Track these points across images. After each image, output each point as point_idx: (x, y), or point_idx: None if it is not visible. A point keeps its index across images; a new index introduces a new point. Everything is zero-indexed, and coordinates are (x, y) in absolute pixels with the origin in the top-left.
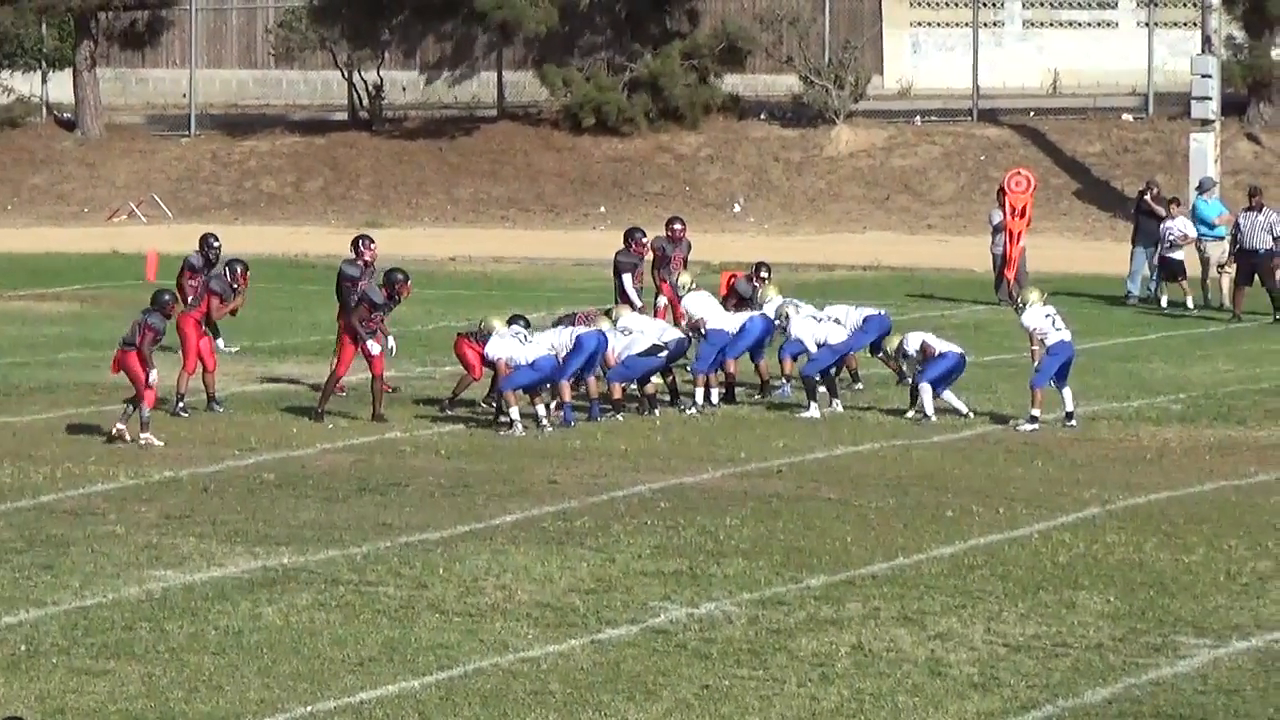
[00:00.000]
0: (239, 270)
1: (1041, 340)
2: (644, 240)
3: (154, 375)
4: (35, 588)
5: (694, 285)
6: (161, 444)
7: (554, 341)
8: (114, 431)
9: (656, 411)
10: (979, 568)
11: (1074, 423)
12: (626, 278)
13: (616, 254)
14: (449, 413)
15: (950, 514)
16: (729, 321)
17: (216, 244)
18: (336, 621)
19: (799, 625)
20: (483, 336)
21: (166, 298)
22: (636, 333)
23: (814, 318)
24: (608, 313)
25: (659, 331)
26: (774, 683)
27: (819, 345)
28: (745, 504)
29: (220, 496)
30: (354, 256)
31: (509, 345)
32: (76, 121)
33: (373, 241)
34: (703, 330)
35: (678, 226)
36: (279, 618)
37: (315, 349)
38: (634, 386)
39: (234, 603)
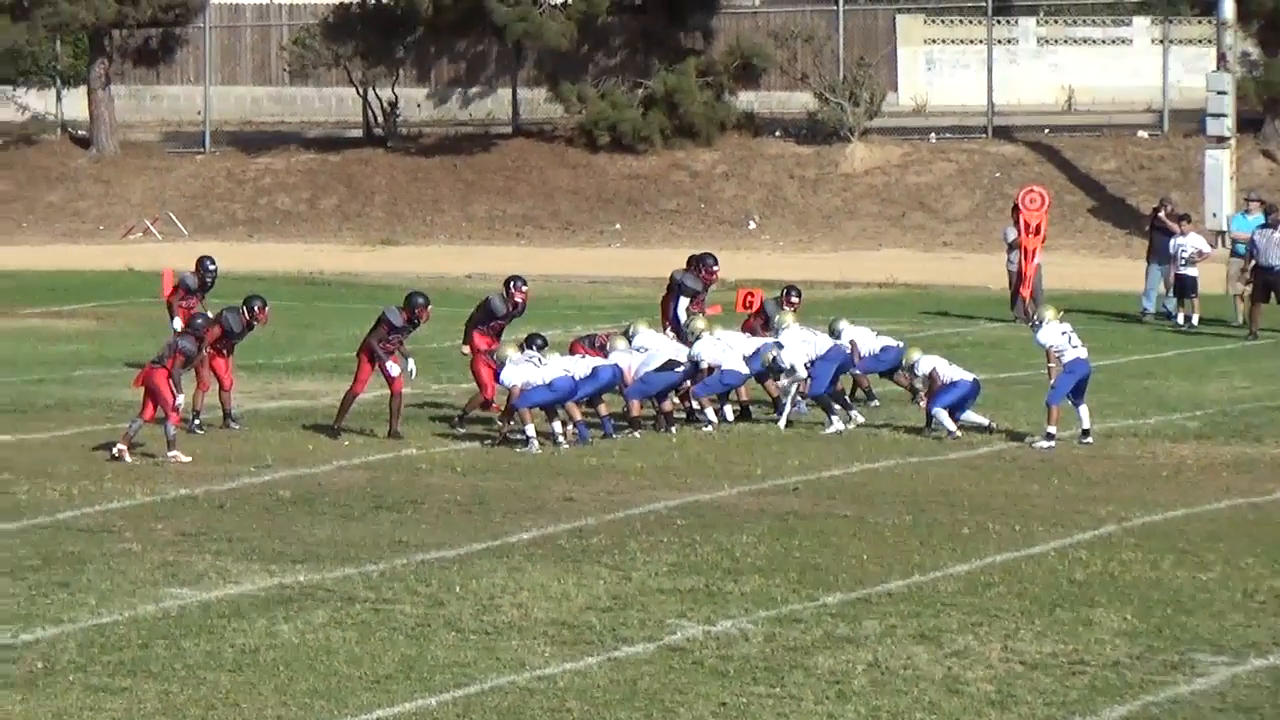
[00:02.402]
0: (257, 307)
1: (1058, 357)
2: (715, 269)
3: (181, 399)
4: (52, 605)
5: (705, 329)
6: (189, 460)
7: (569, 366)
8: (115, 452)
9: (674, 429)
10: (996, 585)
11: (1090, 440)
12: (684, 301)
13: (681, 276)
14: (460, 430)
15: (967, 531)
16: (739, 361)
17: (213, 267)
18: (353, 639)
19: (816, 643)
20: (498, 364)
21: (200, 322)
22: (653, 351)
23: (803, 340)
24: (625, 331)
25: (675, 350)
26: (791, 700)
27: (811, 364)
28: (762, 521)
29: (236, 514)
30: (504, 294)
31: (523, 371)
32: (91, 139)
33: (525, 284)
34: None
35: (716, 269)
36: (295, 635)
37: (330, 366)
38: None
39: (250, 620)
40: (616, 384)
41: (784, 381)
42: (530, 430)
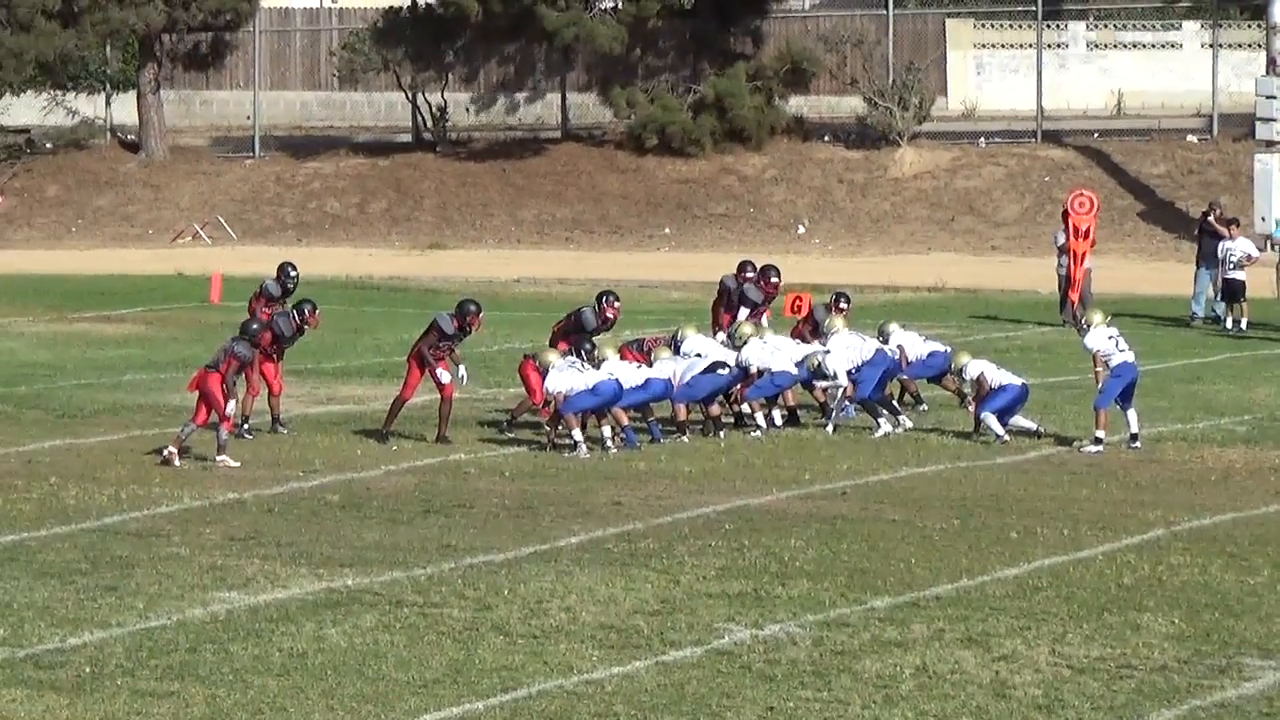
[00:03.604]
0: (308, 310)
1: (1105, 361)
2: (776, 282)
3: (232, 405)
4: (100, 609)
5: (753, 334)
6: (238, 465)
7: (617, 370)
8: (165, 454)
9: (721, 433)
10: (1044, 589)
11: (1138, 444)
12: (744, 313)
13: (743, 286)
14: (509, 434)
15: (1014, 535)
16: (788, 363)
17: (294, 273)
18: (401, 643)
19: (863, 647)
20: (542, 370)
21: (255, 327)
22: (700, 356)
23: (849, 347)
24: (673, 336)
25: (722, 354)
26: (838, 704)
27: (856, 370)
28: (810, 525)
29: (284, 518)
30: (596, 309)
31: (567, 378)
32: (140, 143)
33: (618, 300)
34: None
35: (778, 281)
36: (343, 639)
37: (379, 370)
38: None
39: (298, 624)
40: (666, 396)
41: (826, 384)
42: (577, 435)
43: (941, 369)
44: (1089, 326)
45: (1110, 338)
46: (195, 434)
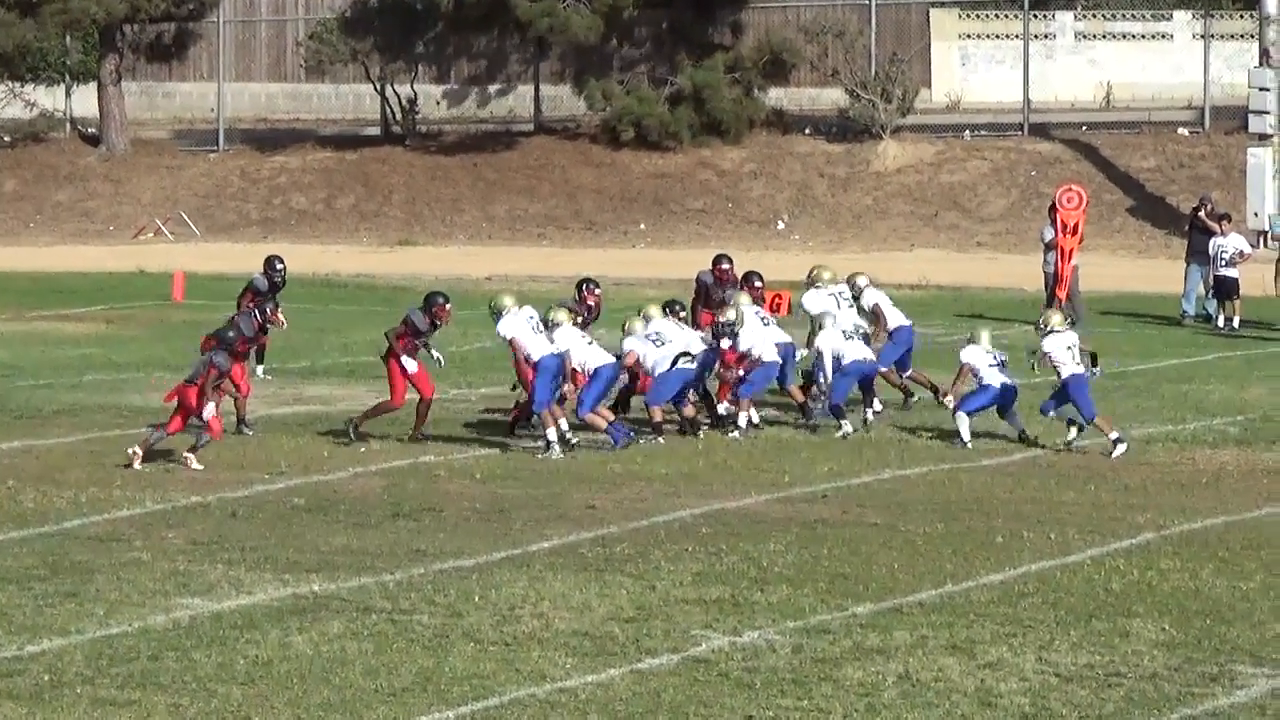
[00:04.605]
0: (270, 309)
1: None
2: (759, 287)
3: (210, 409)
4: (59, 616)
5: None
6: (201, 468)
7: (568, 339)
8: (130, 453)
9: (700, 433)
10: (1030, 595)
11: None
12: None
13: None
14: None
15: (1000, 540)
16: (773, 351)
17: (281, 266)
18: (369, 651)
19: (844, 654)
20: (494, 316)
21: (232, 335)
22: (666, 341)
23: (843, 332)
24: (639, 313)
25: (687, 341)
26: (819, 713)
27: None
28: (789, 530)
29: (249, 522)
30: (578, 297)
31: (519, 326)
32: (101, 137)
33: (598, 287)
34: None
35: (761, 286)
36: (309, 647)
37: (346, 370)
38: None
39: (263, 631)
40: (616, 378)
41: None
42: (551, 435)
43: (907, 343)
44: (1046, 327)
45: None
46: (164, 442)
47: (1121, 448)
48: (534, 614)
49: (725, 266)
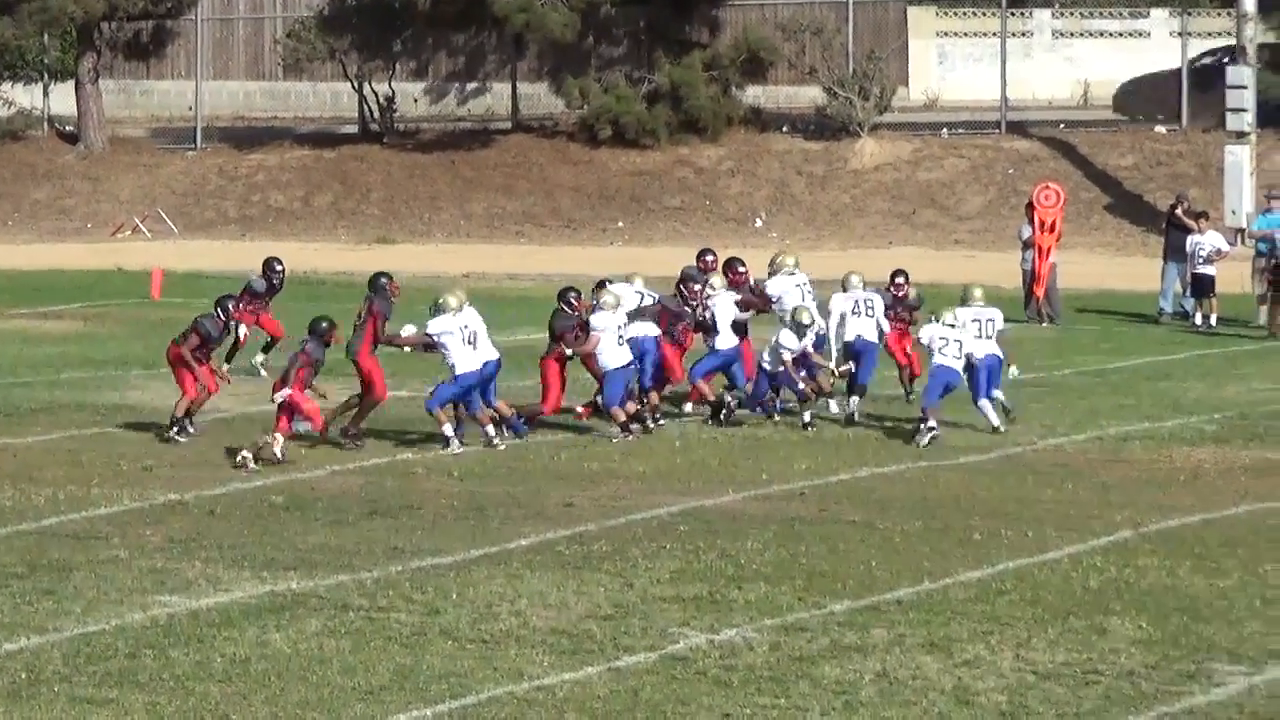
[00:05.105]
0: (231, 306)
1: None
2: (743, 271)
3: (282, 393)
4: (37, 614)
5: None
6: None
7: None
8: (238, 460)
9: (650, 425)
10: (1007, 593)
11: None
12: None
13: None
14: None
15: (978, 537)
16: (731, 335)
17: (281, 268)
18: (346, 648)
19: (822, 652)
20: (436, 312)
21: (325, 325)
22: (614, 308)
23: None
24: (601, 285)
25: (636, 300)
26: (796, 711)
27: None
28: (767, 527)
29: (227, 520)
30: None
31: (447, 323)
32: (79, 134)
33: (580, 294)
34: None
35: (745, 270)
36: (287, 645)
37: (324, 369)
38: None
39: (241, 629)
40: (494, 377)
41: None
42: (448, 430)
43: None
44: (935, 318)
45: (942, 337)
46: (276, 444)
47: (928, 437)
48: (511, 612)
49: (710, 259)
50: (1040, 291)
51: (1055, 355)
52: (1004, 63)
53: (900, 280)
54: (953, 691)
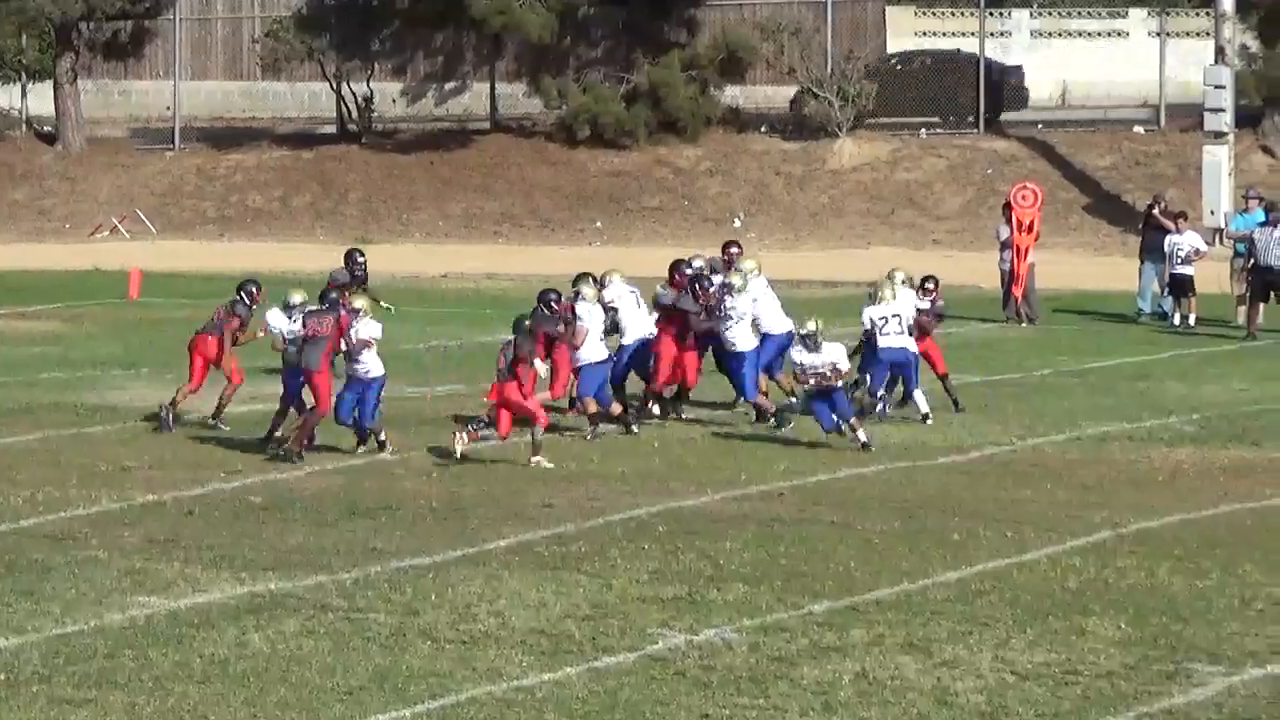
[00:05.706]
0: (255, 291)
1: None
2: (736, 252)
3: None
4: (15, 615)
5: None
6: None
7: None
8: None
9: (635, 428)
10: (986, 593)
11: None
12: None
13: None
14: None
15: (957, 538)
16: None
17: (362, 259)
18: (325, 649)
19: (801, 653)
20: (284, 308)
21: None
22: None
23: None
24: (592, 278)
25: (635, 318)
26: (775, 712)
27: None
28: (746, 528)
29: (205, 520)
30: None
31: (283, 323)
32: (57, 135)
33: (560, 296)
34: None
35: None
36: (266, 645)
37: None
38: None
39: (220, 630)
40: (378, 390)
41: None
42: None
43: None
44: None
45: (882, 317)
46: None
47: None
48: (490, 612)
49: (735, 250)
50: (1019, 292)
51: (1034, 355)
52: (981, 63)
53: (930, 285)
54: (932, 692)
